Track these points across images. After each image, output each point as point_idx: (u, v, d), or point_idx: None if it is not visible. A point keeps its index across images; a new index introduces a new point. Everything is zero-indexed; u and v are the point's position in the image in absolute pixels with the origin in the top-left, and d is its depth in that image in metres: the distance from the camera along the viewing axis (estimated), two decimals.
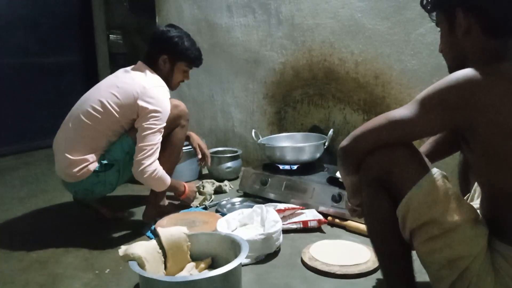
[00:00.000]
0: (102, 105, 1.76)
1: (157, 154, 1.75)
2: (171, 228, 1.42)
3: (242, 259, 1.22)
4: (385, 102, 2.22)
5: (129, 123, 1.80)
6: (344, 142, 1.09)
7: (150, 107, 1.73)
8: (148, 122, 1.73)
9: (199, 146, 2.18)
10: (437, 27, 1.11)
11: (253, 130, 2.37)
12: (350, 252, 1.56)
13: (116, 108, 1.76)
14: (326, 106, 2.48)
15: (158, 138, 1.75)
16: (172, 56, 1.90)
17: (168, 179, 1.83)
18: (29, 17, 3.55)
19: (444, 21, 1.07)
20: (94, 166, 1.76)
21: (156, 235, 1.39)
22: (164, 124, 1.78)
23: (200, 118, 3.19)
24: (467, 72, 0.95)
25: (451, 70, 1.10)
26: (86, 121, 1.76)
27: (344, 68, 2.37)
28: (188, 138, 2.18)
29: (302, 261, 1.53)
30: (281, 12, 2.58)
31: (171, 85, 1.95)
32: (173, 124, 1.89)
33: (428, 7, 1.11)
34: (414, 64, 2.10)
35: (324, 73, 2.46)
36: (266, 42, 2.69)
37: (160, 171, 1.76)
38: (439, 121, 0.99)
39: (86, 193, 1.85)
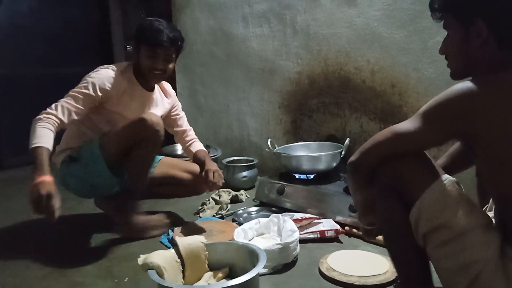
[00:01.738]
0: None
1: (52, 111, 1.70)
2: (189, 237, 1.42)
3: (259, 268, 1.22)
4: (402, 111, 2.21)
5: (95, 113, 1.87)
6: (352, 158, 1.12)
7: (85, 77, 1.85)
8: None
9: (206, 173, 1.86)
10: (444, 29, 1.10)
11: (269, 139, 2.36)
12: (369, 263, 1.54)
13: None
14: (342, 115, 2.48)
15: (69, 101, 1.75)
16: (135, 42, 1.91)
17: (38, 140, 1.63)
18: (50, 29, 3.65)
19: (456, 27, 1.05)
20: (64, 154, 1.88)
21: (174, 244, 1.40)
22: (84, 95, 1.78)
23: (216, 127, 3.21)
24: (467, 84, 0.96)
25: (455, 75, 1.11)
26: None
27: (360, 77, 2.36)
28: (202, 165, 1.94)
29: (320, 271, 1.52)
30: (297, 22, 2.59)
31: (146, 75, 1.89)
32: (132, 136, 1.77)
33: (439, 9, 1.08)
34: (432, 73, 2.09)
35: (340, 82, 2.45)
36: (281, 52, 2.71)
37: (41, 125, 1.66)
38: (442, 132, 1.01)
39: (65, 185, 1.91)
